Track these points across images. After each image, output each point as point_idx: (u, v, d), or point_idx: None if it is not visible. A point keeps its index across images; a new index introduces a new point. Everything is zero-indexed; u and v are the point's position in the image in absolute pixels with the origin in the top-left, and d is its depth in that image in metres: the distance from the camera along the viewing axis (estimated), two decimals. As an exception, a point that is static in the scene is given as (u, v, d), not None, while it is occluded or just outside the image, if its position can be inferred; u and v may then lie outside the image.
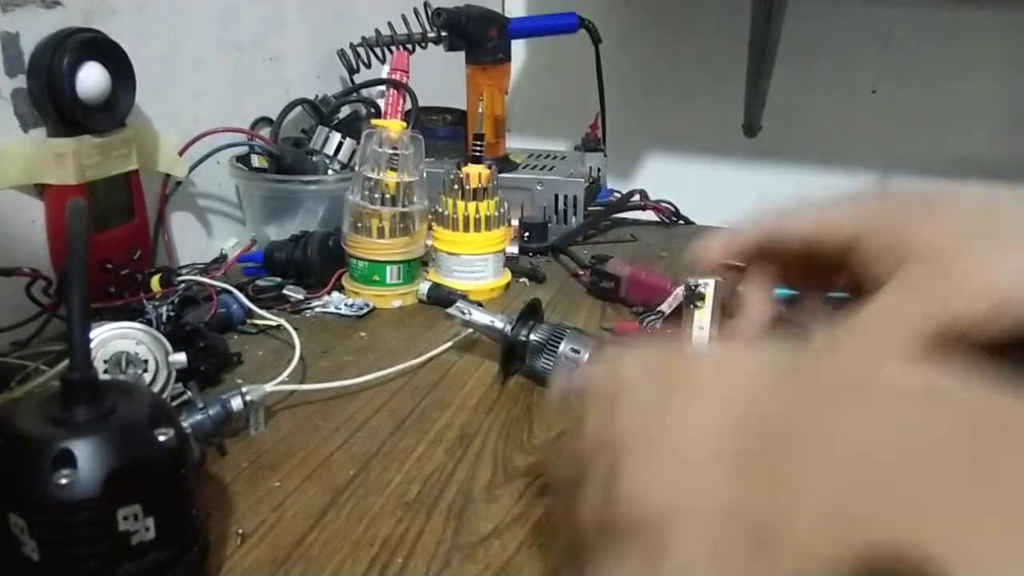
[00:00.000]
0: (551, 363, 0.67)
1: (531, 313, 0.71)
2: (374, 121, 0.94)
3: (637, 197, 1.15)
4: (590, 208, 1.12)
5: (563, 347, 0.67)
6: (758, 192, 1.61)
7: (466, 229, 0.88)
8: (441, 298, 0.85)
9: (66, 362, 0.41)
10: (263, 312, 0.78)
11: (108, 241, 0.79)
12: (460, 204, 0.87)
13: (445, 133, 1.23)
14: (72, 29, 0.74)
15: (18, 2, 0.71)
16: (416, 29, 1.12)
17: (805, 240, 0.45)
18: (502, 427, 0.63)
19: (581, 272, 0.96)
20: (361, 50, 1.14)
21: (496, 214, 0.89)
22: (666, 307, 0.77)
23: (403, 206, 0.85)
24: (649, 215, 1.18)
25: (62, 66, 0.72)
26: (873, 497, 0.25)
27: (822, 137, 1.57)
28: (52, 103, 0.73)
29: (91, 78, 0.74)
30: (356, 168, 0.86)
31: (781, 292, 0.90)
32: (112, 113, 0.78)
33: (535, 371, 0.69)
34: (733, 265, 0.53)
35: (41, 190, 0.75)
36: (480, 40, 1.08)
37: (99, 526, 0.38)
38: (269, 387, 0.62)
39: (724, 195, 1.55)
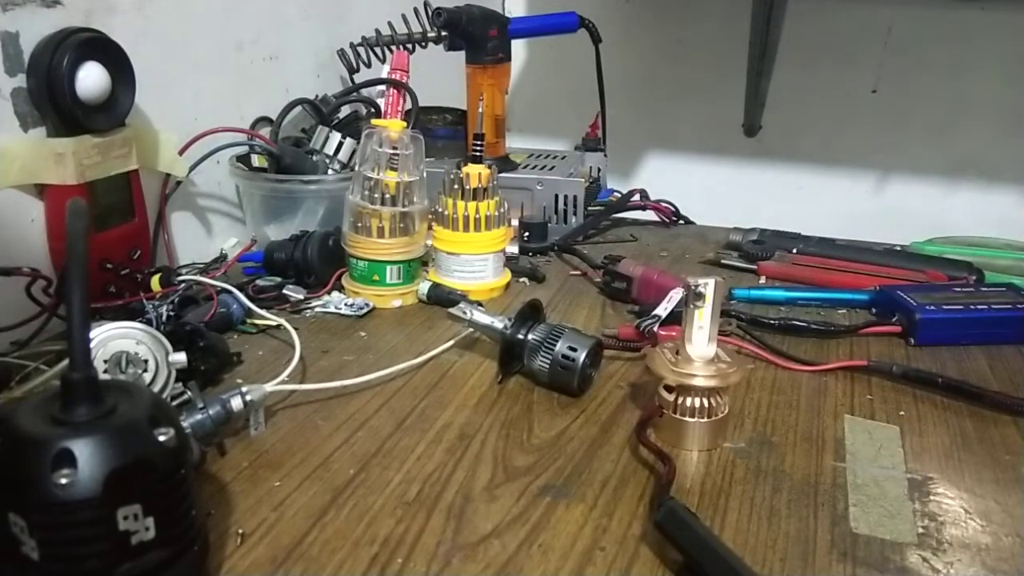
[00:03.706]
0: (548, 362, 0.67)
1: (531, 313, 0.71)
2: (374, 121, 0.94)
3: (637, 197, 1.15)
4: (590, 208, 1.12)
5: (560, 346, 0.67)
6: (758, 192, 1.62)
7: (466, 229, 0.88)
8: (441, 298, 0.85)
9: (66, 362, 0.41)
10: (263, 312, 0.78)
11: (108, 241, 0.79)
12: (460, 204, 0.87)
13: (445, 133, 1.23)
14: (72, 29, 0.74)
15: (18, 1, 0.71)
16: (416, 29, 1.12)
17: None
18: (502, 427, 0.63)
19: (583, 271, 0.96)
20: (361, 50, 1.14)
21: (496, 214, 0.89)
22: (661, 310, 0.77)
23: (403, 206, 0.85)
24: (649, 215, 1.18)
25: (62, 66, 0.72)
26: None
27: (822, 137, 1.57)
28: (52, 103, 0.73)
29: (91, 78, 0.74)
30: (356, 168, 0.86)
31: (779, 294, 0.90)
32: (112, 113, 0.78)
33: (533, 370, 0.69)
34: None
35: (41, 190, 0.75)
36: (480, 40, 1.08)
37: (99, 526, 0.38)
38: (269, 387, 0.62)
39: (724, 195, 1.56)
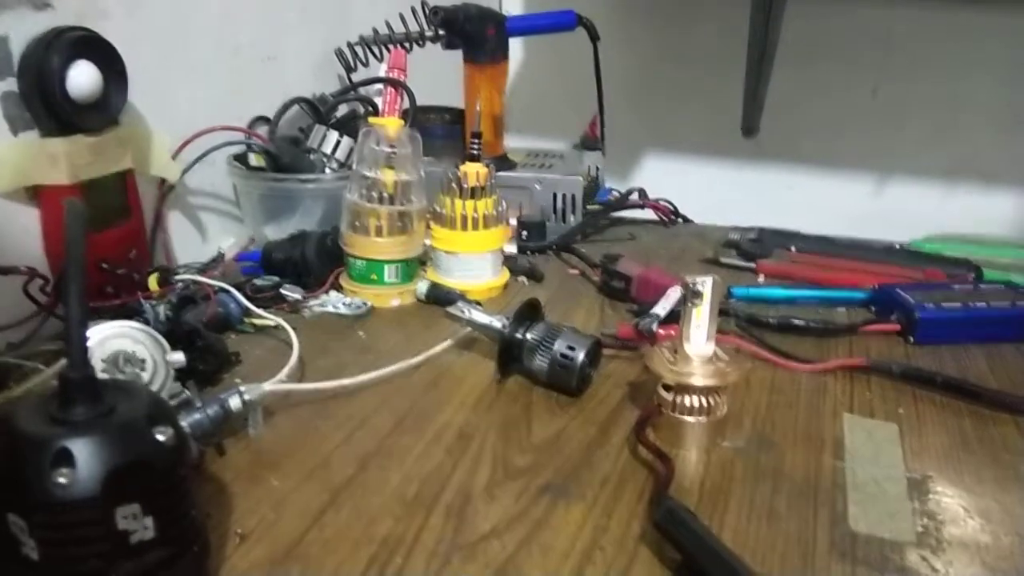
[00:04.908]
0: (546, 362, 0.67)
1: (529, 312, 0.71)
2: (371, 119, 0.94)
3: (636, 196, 1.15)
4: (588, 207, 1.12)
5: (558, 345, 0.67)
6: (756, 193, 1.62)
7: (464, 228, 0.88)
8: (439, 297, 0.85)
9: (64, 361, 0.41)
10: (261, 311, 0.78)
11: (104, 241, 0.79)
12: (458, 203, 0.87)
13: (443, 133, 1.23)
14: (62, 28, 0.73)
15: (7, 5, 0.71)
16: (414, 28, 1.12)
17: None
18: (501, 426, 0.63)
19: (582, 270, 0.96)
20: (359, 49, 1.14)
21: (494, 213, 0.89)
22: (661, 309, 0.77)
23: (401, 205, 0.85)
24: (648, 214, 1.18)
25: (53, 65, 0.71)
26: None
27: (821, 138, 1.57)
28: (43, 103, 0.72)
29: (82, 76, 0.74)
30: (354, 167, 0.86)
31: (778, 293, 0.91)
32: (104, 111, 0.77)
33: (531, 370, 0.69)
34: None
35: (35, 191, 0.75)
36: (478, 38, 1.08)
37: (98, 525, 0.38)
38: (267, 386, 0.62)
39: (722, 196, 1.56)
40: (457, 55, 1.11)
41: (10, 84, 0.72)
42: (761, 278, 0.96)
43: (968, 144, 1.48)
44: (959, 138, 1.48)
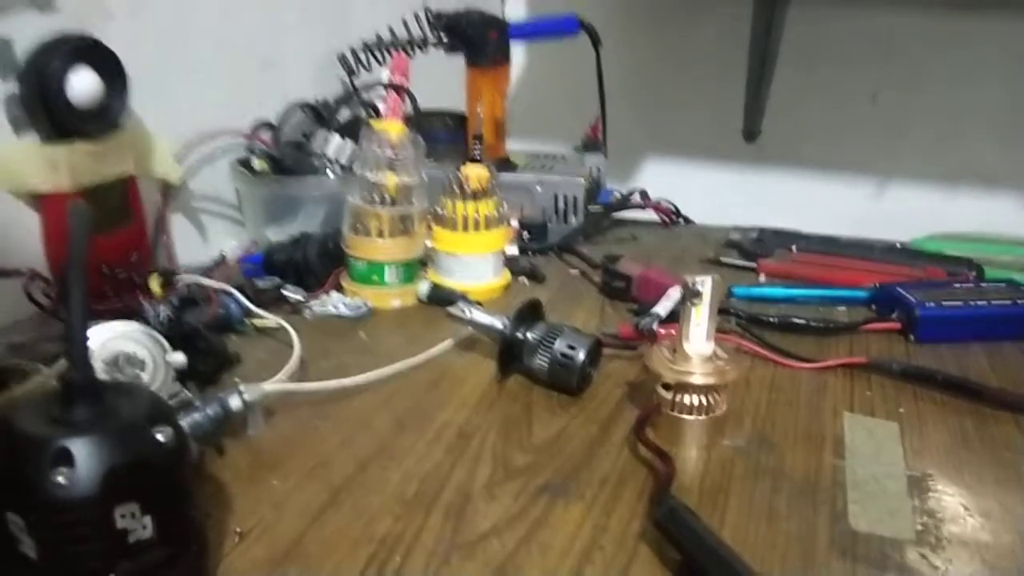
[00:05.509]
0: (547, 361, 0.67)
1: (530, 312, 0.71)
2: (373, 123, 0.94)
3: (637, 197, 1.15)
4: (590, 208, 1.12)
5: (559, 345, 0.67)
6: (757, 197, 1.61)
7: (465, 230, 0.88)
8: (440, 298, 0.85)
9: (64, 362, 0.41)
10: (262, 312, 0.78)
11: (106, 245, 0.79)
12: (460, 205, 0.88)
13: (446, 136, 1.23)
14: (64, 34, 0.74)
15: (9, 6, 0.71)
16: (416, 32, 1.13)
17: None
18: (501, 426, 0.64)
19: (583, 271, 0.96)
20: (361, 54, 1.15)
21: (495, 215, 0.89)
22: (661, 309, 0.77)
23: (402, 207, 0.85)
24: (649, 215, 1.18)
25: (54, 71, 0.72)
26: None
27: (822, 143, 1.57)
28: (44, 109, 0.73)
29: (83, 83, 0.74)
30: (356, 170, 0.86)
31: (778, 292, 0.90)
32: (105, 118, 0.78)
33: (532, 369, 0.69)
34: None
35: (36, 196, 0.75)
36: (480, 43, 1.08)
37: (96, 525, 0.38)
38: (267, 386, 0.62)
39: (723, 200, 1.56)
40: (459, 59, 1.11)
41: (13, 87, 0.72)
42: (762, 277, 0.96)
43: (969, 150, 1.47)
44: (960, 143, 1.48)
